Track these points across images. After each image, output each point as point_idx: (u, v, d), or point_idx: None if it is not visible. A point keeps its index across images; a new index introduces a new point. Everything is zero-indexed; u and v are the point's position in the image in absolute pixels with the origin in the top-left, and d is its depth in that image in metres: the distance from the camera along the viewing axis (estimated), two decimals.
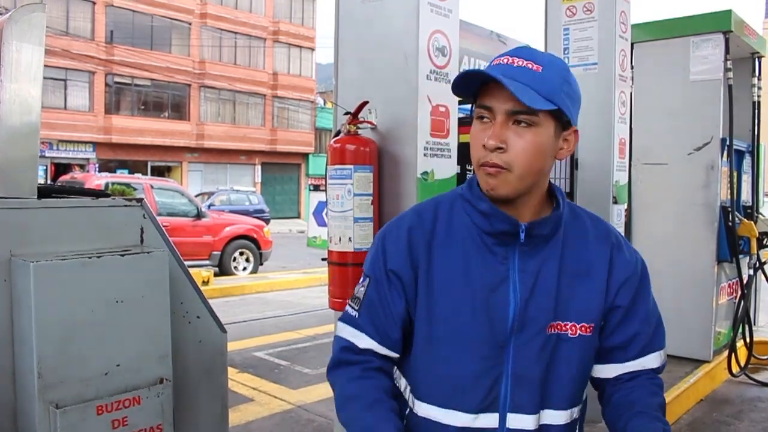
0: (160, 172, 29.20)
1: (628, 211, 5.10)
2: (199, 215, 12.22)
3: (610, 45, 4.00)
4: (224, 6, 31.12)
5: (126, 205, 1.56)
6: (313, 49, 34.86)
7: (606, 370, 1.36)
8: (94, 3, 26.95)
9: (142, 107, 29.32)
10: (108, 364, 1.42)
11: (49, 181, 24.33)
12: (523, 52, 1.25)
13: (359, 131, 2.54)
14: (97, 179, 12.54)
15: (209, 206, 17.29)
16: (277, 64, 33.44)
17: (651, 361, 1.35)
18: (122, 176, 14.79)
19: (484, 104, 1.24)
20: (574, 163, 3.49)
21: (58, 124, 25.50)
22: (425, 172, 2.51)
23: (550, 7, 4.24)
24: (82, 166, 26.65)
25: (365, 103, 2.52)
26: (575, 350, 1.29)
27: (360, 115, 2.55)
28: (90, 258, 1.39)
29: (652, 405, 1.29)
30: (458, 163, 2.74)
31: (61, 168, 25.82)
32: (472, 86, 1.26)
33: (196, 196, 17.63)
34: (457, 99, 2.68)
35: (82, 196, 1.51)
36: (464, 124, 2.86)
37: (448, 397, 1.30)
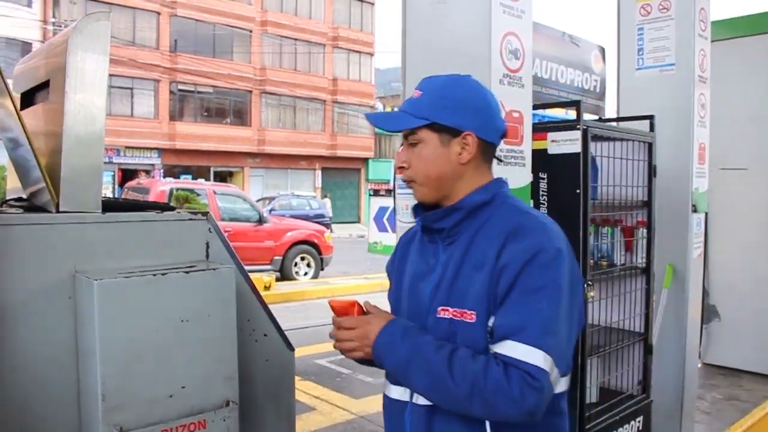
0: (222, 177, 29.76)
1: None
2: (260, 220, 12.34)
3: (689, 44, 3.79)
4: (284, 13, 31.55)
5: (191, 219, 1.49)
6: (372, 54, 34.98)
7: None
8: (159, 14, 27.70)
9: (205, 114, 29.96)
10: (173, 387, 1.35)
11: (116, 187, 25.11)
12: (422, 82, 1.51)
13: None
14: (162, 185, 12.80)
15: (270, 211, 17.47)
16: (336, 69, 33.70)
17: (507, 347, 1.31)
18: (186, 182, 15.08)
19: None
20: (652, 170, 3.29)
21: (124, 131, 26.28)
22: None
23: (622, 5, 4.05)
24: (147, 172, 27.37)
25: None
26: (458, 334, 1.38)
27: None
28: (155, 275, 1.32)
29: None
30: (531, 171, 2.60)
31: (127, 174, 26.58)
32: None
33: (257, 201, 17.84)
34: (531, 104, 2.54)
35: (146, 210, 1.45)
36: (538, 130, 2.72)
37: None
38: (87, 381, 1.30)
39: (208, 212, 1.51)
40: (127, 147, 26.98)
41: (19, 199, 1.56)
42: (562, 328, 1.34)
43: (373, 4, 34.87)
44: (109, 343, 1.26)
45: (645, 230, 3.32)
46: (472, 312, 1.36)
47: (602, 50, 3.60)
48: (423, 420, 1.44)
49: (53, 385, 1.31)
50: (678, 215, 3.72)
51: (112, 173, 26.88)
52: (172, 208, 1.48)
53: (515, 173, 2.46)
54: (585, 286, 2.78)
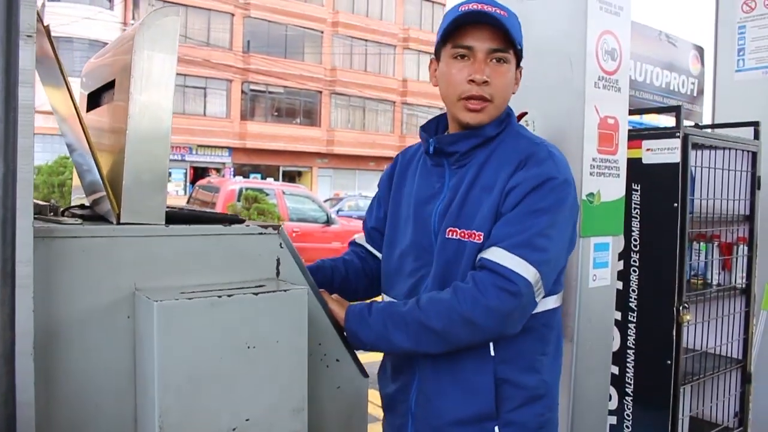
0: (290, 176, 30.11)
1: None
2: (328, 221, 12.32)
3: None
4: (355, 14, 31.67)
5: (261, 233, 1.36)
6: None
7: None
8: (233, 15, 28.23)
9: (275, 113, 30.38)
10: (236, 419, 1.22)
11: (188, 184, 25.71)
12: (493, 1, 1.48)
13: None
14: (232, 184, 12.96)
15: (338, 212, 17.49)
16: (406, 70, 33.59)
17: (490, 253, 1.38)
18: (255, 181, 15.23)
19: (464, 44, 1.46)
20: (756, 182, 3.00)
21: (197, 130, 26.90)
22: (591, 194, 2.18)
23: (722, 1, 3.75)
24: (218, 170, 27.95)
25: (524, 113, 2.22)
26: (465, 253, 1.44)
27: None
28: (220, 297, 1.19)
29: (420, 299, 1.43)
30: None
31: (198, 171, 27.22)
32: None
33: (325, 201, 17.88)
34: (627, 109, 2.32)
35: (213, 222, 1.32)
36: (632, 137, 2.49)
37: (387, 286, 1.63)
38: (144, 410, 1.18)
39: (280, 225, 1.38)
40: (199, 146, 27.59)
41: (82, 207, 1.47)
42: (554, 247, 1.40)
43: (444, 4, 34.60)
44: (169, 369, 1.15)
45: (746, 247, 3.04)
46: (479, 233, 1.42)
47: (701, 50, 3.33)
48: (429, 377, 1.50)
49: (108, 413, 1.20)
50: None
51: (184, 171, 27.57)
52: (241, 221, 1.36)
53: (608, 185, 2.25)
54: (681, 309, 2.54)
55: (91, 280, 1.18)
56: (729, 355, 3.01)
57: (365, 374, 1.55)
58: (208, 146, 28.02)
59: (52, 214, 1.35)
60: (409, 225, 1.56)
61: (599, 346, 2.29)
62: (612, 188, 2.26)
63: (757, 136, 3.03)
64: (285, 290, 1.28)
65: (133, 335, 1.22)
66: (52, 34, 1.30)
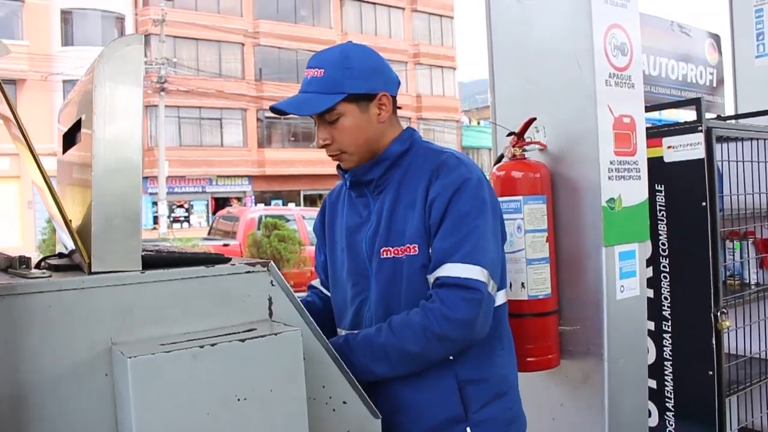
0: (312, 200, 30.09)
1: None
2: None
3: None
4: (365, 34, 31.74)
5: (249, 272, 1.24)
6: (454, 68, 34.65)
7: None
8: (243, 44, 28.45)
9: (292, 139, 30.45)
10: None
11: (210, 215, 25.81)
12: (313, 60, 1.60)
13: (526, 154, 2.12)
14: (251, 212, 12.94)
15: None
16: (420, 86, 33.53)
17: (445, 270, 1.44)
18: (275, 208, 15.23)
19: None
20: None
21: (216, 161, 27.03)
22: (611, 199, 2.04)
23: None
24: (239, 199, 28.05)
25: (532, 120, 2.09)
26: (403, 269, 1.51)
27: (525, 135, 2.13)
28: (202, 347, 1.08)
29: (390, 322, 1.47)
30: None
31: (220, 202, 27.32)
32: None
33: None
34: (643, 106, 2.19)
35: (195, 263, 1.21)
36: (651, 135, 2.35)
37: (338, 320, 1.68)
38: None
39: (269, 262, 1.26)
40: (219, 176, 27.73)
41: (60, 256, 1.37)
42: (492, 244, 1.48)
43: (452, 17, 34.61)
44: (149, 430, 1.03)
45: None
46: (413, 245, 1.49)
47: (717, 38, 3.17)
48: (394, 391, 1.52)
49: None
50: None
51: (206, 202, 27.68)
52: (225, 260, 1.24)
53: (629, 188, 2.11)
54: (719, 314, 2.37)
55: (62, 337, 1.08)
56: None
57: (376, 415, 1.42)
58: (228, 176, 28.13)
59: (24, 266, 1.25)
60: (345, 256, 1.63)
61: (633, 360, 2.14)
62: (634, 191, 2.12)
63: None
64: (276, 333, 1.16)
65: (113, 395, 1.11)
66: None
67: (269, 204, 25.63)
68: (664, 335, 2.47)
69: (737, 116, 3.19)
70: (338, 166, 1.67)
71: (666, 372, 2.48)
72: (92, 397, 1.10)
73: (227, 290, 1.22)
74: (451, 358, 1.50)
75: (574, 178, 2.08)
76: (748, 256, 2.83)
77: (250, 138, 28.68)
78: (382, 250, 1.54)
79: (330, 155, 1.60)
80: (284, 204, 26.44)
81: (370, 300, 1.58)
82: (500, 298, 1.59)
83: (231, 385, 1.11)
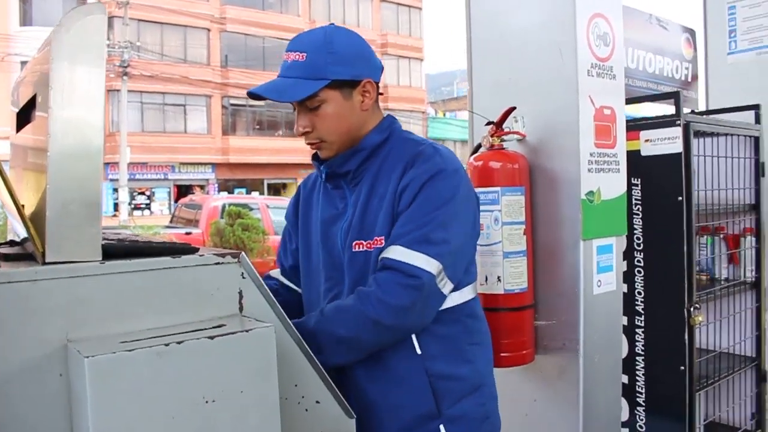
0: (276, 189, 29.82)
1: None
2: None
3: None
4: (333, 22, 31.49)
5: (218, 263, 1.16)
6: (421, 60, 34.58)
7: None
8: (209, 30, 27.96)
9: (257, 127, 30.10)
10: None
11: (173, 203, 25.38)
12: (293, 43, 1.48)
13: (504, 144, 2.06)
14: (214, 200, 12.72)
15: None
16: (386, 76, 33.39)
17: (389, 252, 1.39)
18: (239, 197, 15.01)
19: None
20: (760, 169, 2.83)
21: (179, 148, 26.56)
22: (590, 192, 1.99)
23: None
24: (202, 187, 27.63)
25: (512, 109, 2.04)
26: (372, 263, 1.44)
27: (504, 125, 2.07)
28: (167, 345, 0.99)
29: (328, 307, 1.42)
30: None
31: (182, 189, 26.88)
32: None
33: None
34: (623, 98, 2.15)
35: (160, 254, 1.12)
36: (629, 128, 2.32)
37: (307, 313, 1.56)
38: None
39: (240, 253, 1.18)
40: (182, 163, 27.27)
41: (12, 243, 1.26)
42: (455, 238, 1.41)
43: (420, 8, 34.50)
44: None
45: (753, 238, 2.87)
46: (380, 237, 1.44)
47: (692, 33, 3.16)
48: (363, 389, 1.47)
49: None
50: None
51: (168, 190, 27.22)
52: (193, 250, 1.16)
53: (608, 181, 2.07)
54: (692, 309, 2.36)
55: (12, 333, 0.98)
56: (743, 353, 2.83)
57: (351, 414, 1.35)
58: (191, 163, 27.67)
59: None
60: (320, 249, 1.57)
61: (609, 356, 2.11)
62: (613, 184, 2.08)
63: (758, 120, 2.86)
64: (247, 330, 1.08)
65: (68, 397, 1.02)
66: None
67: (232, 192, 25.31)
68: (637, 330, 2.45)
69: (710, 112, 3.19)
70: (314, 156, 1.60)
71: (638, 367, 2.46)
72: (45, 399, 1.00)
73: (195, 283, 1.13)
74: (419, 351, 1.45)
75: (552, 169, 2.04)
76: (720, 252, 2.83)
77: (215, 125, 28.25)
78: (354, 244, 1.49)
79: (309, 143, 1.52)
80: (248, 192, 26.10)
81: (343, 294, 1.52)
82: (469, 292, 1.55)
83: (199, 386, 1.02)
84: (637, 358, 2.46)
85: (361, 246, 1.48)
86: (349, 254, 1.49)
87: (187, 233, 11.29)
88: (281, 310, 1.24)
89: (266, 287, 1.22)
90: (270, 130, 30.34)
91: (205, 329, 1.07)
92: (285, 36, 29.59)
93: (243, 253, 1.19)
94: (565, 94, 1.99)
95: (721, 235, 2.90)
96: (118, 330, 1.05)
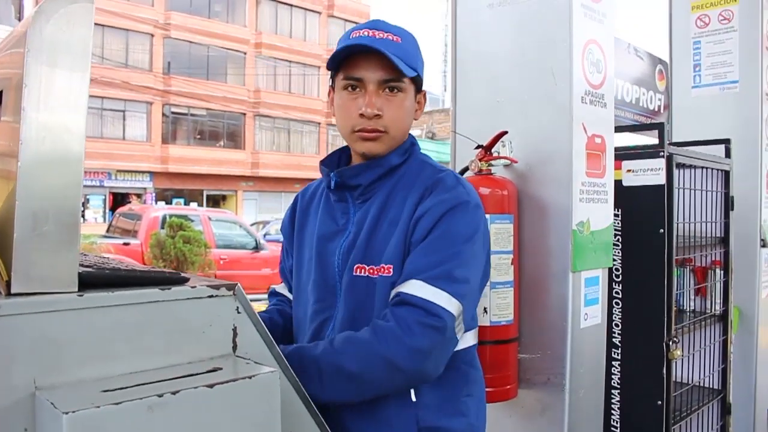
0: (215, 200, 29.23)
1: None
2: (257, 247, 11.84)
3: (755, 59, 3.36)
4: (279, 35, 31.24)
5: (212, 296, 1.01)
6: None
7: None
8: (152, 35, 27.32)
9: (198, 136, 29.49)
10: None
11: (107, 211, 24.51)
12: (380, 24, 1.37)
13: (492, 169, 1.97)
14: (155, 211, 12.32)
15: (265, 236, 16.90)
16: None
17: (408, 286, 1.26)
18: (179, 207, 14.60)
19: (354, 75, 1.35)
20: (729, 203, 2.84)
21: (116, 155, 25.77)
22: (581, 222, 1.92)
23: (675, 16, 3.63)
24: (139, 195, 26.83)
25: (503, 133, 1.95)
26: (377, 291, 1.32)
27: (493, 149, 1.98)
28: (161, 396, 0.84)
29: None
30: None
31: (118, 197, 26.04)
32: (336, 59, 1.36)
33: (251, 225, 17.24)
34: (613, 128, 2.10)
35: (146, 284, 0.97)
36: (620, 157, 2.27)
37: (297, 335, 1.49)
38: None
39: (236, 285, 1.04)
40: (119, 171, 26.43)
41: None
42: (473, 278, 1.31)
43: None
44: None
45: (721, 271, 2.87)
46: (388, 266, 1.32)
47: (665, 65, 3.18)
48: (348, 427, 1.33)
49: None
50: (745, 251, 3.26)
51: (103, 197, 26.32)
52: (183, 280, 1.01)
53: (596, 211, 2.00)
54: (670, 343, 2.32)
55: None
56: (710, 386, 2.82)
57: None
58: (129, 171, 26.84)
59: None
60: (312, 265, 1.44)
61: (593, 392, 2.04)
62: (600, 215, 2.02)
63: (728, 154, 2.87)
64: (250, 376, 0.94)
65: None
66: None
67: (170, 202, 24.69)
68: (614, 363, 2.39)
69: (679, 144, 3.19)
70: (322, 162, 1.48)
71: (613, 401, 2.40)
72: None
73: (185, 319, 0.98)
74: (414, 399, 1.32)
75: (542, 197, 1.96)
76: (690, 285, 2.82)
77: (154, 133, 27.53)
78: (355, 267, 1.36)
79: (370, 129, 1.36)
80: (186, 203, 25.51)
81: (335, 320, 1.39)
82: (471, 338, 1.44)
83: None
84: (613, 391, 2.39)
85: (362, 270, 1.36)
86: (349, 277, 1.37)
87: (125, 244, 10.86)
88: (276, 347, 1.10)
89: (262, 323, 1.08)
90: (211, 141, 29.79)
91: (199, 374, 0.92)
92: (230, 45, 29.25)
93: (239, 284, 1.05)
94: (558, 120, 1.92)
95: (689, 267, 2.88)
96: (97, 375, 0.89)
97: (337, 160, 1.51)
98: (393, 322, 1.24)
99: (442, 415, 1.35)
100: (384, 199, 1.39)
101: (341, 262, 1.39)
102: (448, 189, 1.34)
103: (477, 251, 1.33)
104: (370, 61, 1.34)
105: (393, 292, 1.30)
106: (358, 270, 1.36)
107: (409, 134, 1.47)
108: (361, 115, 1.36)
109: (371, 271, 1.35)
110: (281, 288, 1.66)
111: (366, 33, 1.34)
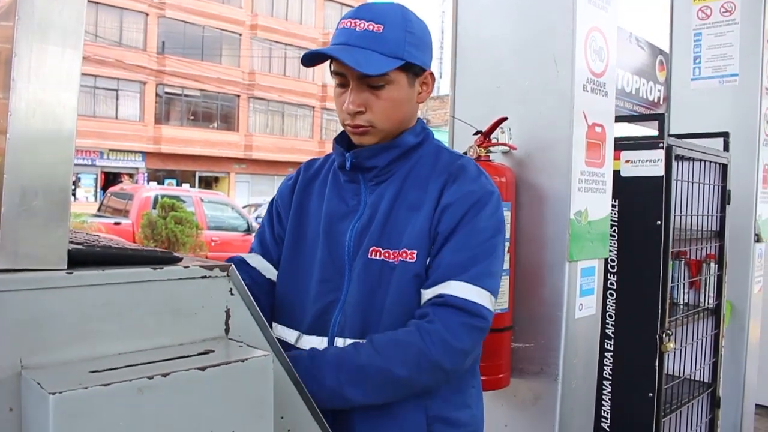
0: (207, 182, 29.10)
1: None
2: (249, 229, 11.81)
3: (756, 53, 3.34)
4: (275, 17, 31.01)
5: (205, 276, 0.99)
6: None
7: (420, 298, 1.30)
8: (147, 14, 27.05)
9: (192, 118, 29.30)
10: None
11: (99, 191, 24.37)
12: (364, 11, 1.30)
13: (490, 156, 1.95)
14: (147, 191, 12.24)
15: (257, 218, 16.84)
16: (326, 75, 33.11)
17: (450, 288, 1.24)
18: (172, 188, 14.51)
19: (336, 71, 1.32)
20: (726, 197, 2.83)
21: (108, 134, 25.59)
22: (579, 212, 1.90)
23: (676, 6, 3.60)
24: (131, 175, 26.68)
25: (503, 119, 1.93)
26: (394, 276, 1.29)
27: (492, 136, 1.96)
28: (151, 378, 0.82)
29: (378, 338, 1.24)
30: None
31: (110, 177, 25.89)
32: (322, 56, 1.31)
33: (243, 207, 17.18)
34: (613, 117, 2.07)
35: (136, 262, 0.94)
36: (619, 147, 2.25)
37: (287, 317, 1.40)
38: None
39: (230, 266, 1.01)
40: (111, 150, 26.26)
41: None
42: (500, 270, 1.32)
43: None
44: None
45: (715, 265, 2.86)
46: (412, 251, 1.29)
47: (666, 56, 3.15)
48: (361, 421, 1.30)
49: None
50: (738, 245, 3.26)
51: (95, 176, 26.16)
52: (176, 260, 0.98)
53: (594, 201, 1.98)
54: (664, 336, 2.31)
55: None
56: (701, 379, 2.82)
57: None
58: (121, 150, 26.67)
59: None
60: (318, 245, 1.39)
61: (585, 383, 2.03)
62: (598, 205, 2.00)
63: (726, 147, 2.86)
64: (243, 360, 0.91)
65: None
66: None
67: (162, 183, 24.53)
68: (606, 354, 2.38)
69: (678, 136, 3.18)
70: (338, 139, 1.42)
71: (604, 392, 2.39)
72: None
73: (177, 299, 0.96)
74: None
75: (541, 185, 1.94)
76: (684, 279, 2.81)
77: (147, 113, 27.33)
78: (371, 250, 1.31)
79: (354, 125, 1.32)
80: (178, 184, 25.36)
81: (343, 303, 1.33)
82: None
83: (185, 427, 0.85)
84: (605, 382, 2.39)
85: (378, 254, 1.31)
86: (364, 260, 1.32)
87: (116, 223, 10.80)
88: (271, 332, 1.07)
89: (255, 305, 1.05)
90: (205, 122, 29.61)
91: (191, 356, 0.90)
92: (225, 26, 29.01)
93: (233, 265, 1.03)
94: (559, 107, 1.90)
95: (683, 260, 2.88)
96: (84, 355, 0.87)
97: (348, 139, 1.44)
98: (439, 324, 1.22)
99: (449, 406, 1.35)
100: (400, 182, 1.35)
101: (353, 243, 1.34)
102: (473, 179, 1.32)
103: (502, 242, 1.33)
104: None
105: (430, 293, 1.27)
106: (374, 253, 1.32)
107: (420, 119, 1.43)
108: (347, 111, 1.33)
109: (387, 254, 1.31)
110: (255, 259, 1.48)
111: (348, 24, 1.30)
